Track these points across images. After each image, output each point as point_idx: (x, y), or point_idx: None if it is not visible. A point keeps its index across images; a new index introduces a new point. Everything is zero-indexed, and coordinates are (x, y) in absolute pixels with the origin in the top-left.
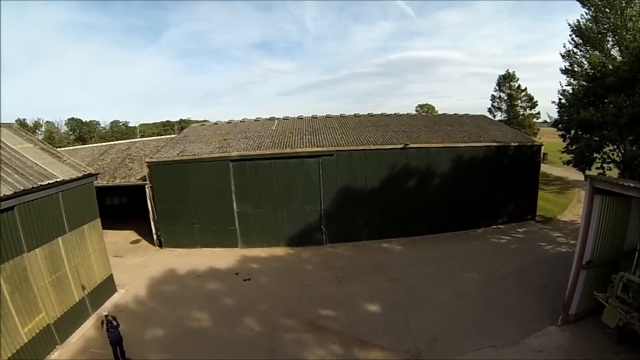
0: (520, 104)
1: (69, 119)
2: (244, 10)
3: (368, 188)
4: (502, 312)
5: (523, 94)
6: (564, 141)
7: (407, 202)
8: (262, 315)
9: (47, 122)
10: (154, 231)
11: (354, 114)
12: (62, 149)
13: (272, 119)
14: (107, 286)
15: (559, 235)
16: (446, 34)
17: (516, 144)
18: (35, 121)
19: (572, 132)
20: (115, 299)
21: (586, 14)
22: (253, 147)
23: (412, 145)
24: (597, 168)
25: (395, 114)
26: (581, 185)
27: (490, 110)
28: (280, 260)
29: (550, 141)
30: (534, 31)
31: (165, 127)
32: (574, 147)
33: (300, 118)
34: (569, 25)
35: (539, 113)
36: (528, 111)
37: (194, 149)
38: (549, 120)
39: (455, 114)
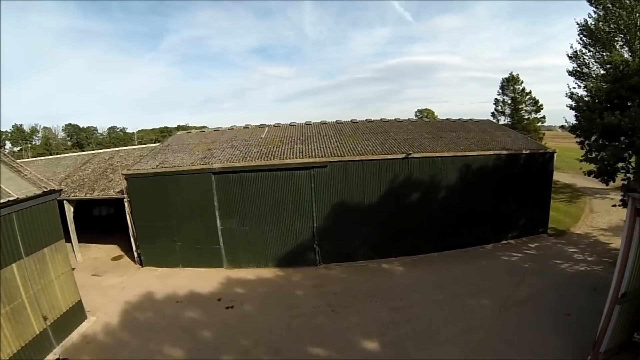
0: (524, 108)
1: (66, 125)
2: (243, 16)
3: (366, 203)
4: (520, 349)
5: (527, 97)
6: (582, 149)
7: (409, 217)
8: (243, 352)
9: (44, 128)
10: (134, 248)
11: (351, 120)
12: (46, 157)
13: (262, 126)
14: (75, 314)
15: (574, 250)
16: (444, 38)
17: (527, 151)
18: (32, 127)
19: (593, 138)
20: (84, 328)
21: (594, 12)
22: (238, 158)
23: (415, 155)
24: (623, 179)
25: (395, 119)
26: (591, 193)
27: (493, 115)
28: (267, 284)
29: (555, 145)
30: (531, 34)
31: (163, 133)
32: (594, 155)
33: (292, 125)
34: (577, 24)
35: (543, 117)
36: (533, 115)
37: (175, 159)
38: (566, 125)
39: (459, 119)
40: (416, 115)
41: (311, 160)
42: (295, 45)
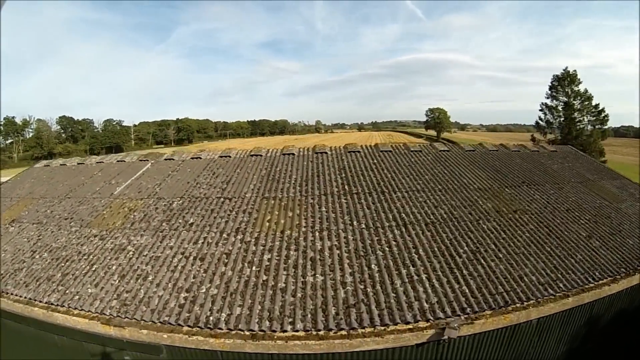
0: (580, 118)
1: (60, 117)
2: (254, 10)
3: None
4: None
5: (588, 103)
6: None
7: None
8: None
9: (38, 120)
10: None
11: (313, 149)
12: None
13: (145, 159)
14: None
15: None
16: (455, 37)
17: None
18: (24, 119)
19: None
20: None
21: None
22: None
23: (464, 333)
24: None
25: (406, 149)
26: None
27: (538, 125)
28: None
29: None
30: (542, 35)
31: (161, 127)
32: None
33: (195, 157)
34: None
35: (604, 131)
36: (596, 127)
37: None
38: None
39: (521, 147)
40: (427, 115)
41: (115, 331)
42: (306, 40)
